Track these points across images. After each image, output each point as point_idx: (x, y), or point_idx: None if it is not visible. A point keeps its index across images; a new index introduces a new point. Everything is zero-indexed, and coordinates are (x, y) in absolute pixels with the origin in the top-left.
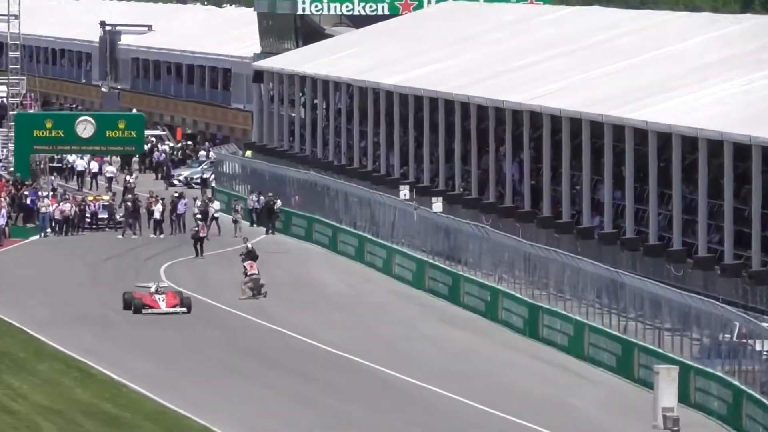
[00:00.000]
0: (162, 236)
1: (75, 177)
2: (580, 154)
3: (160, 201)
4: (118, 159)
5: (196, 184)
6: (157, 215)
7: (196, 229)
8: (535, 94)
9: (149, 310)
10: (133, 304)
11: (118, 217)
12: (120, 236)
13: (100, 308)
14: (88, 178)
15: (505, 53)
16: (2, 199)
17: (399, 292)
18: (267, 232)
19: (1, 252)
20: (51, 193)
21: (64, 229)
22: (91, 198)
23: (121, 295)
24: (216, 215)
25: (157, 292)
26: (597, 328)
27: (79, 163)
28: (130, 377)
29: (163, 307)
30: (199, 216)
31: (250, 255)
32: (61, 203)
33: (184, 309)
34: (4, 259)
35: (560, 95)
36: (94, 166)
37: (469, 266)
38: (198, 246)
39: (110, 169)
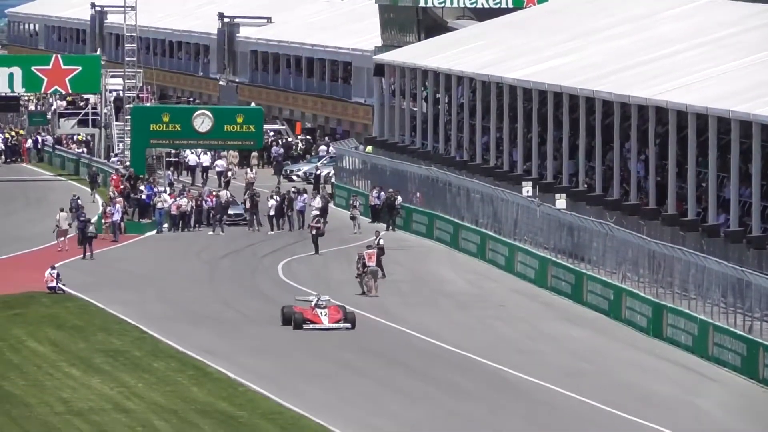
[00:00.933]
0: (276, 232)
1: (187, 172)
2: (706, 150)
3: (274, 197)
4: (236, 153)
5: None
6: (272, 211)
7: (316, 225)
8: (661, 89)
9: (311, 326)
10: (293, 319)
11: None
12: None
13: (217, 306)
14: (198, 172)
15: (630, 47)
16: (117, 194)
17: (521, 290)
18: (387, 229)
19: (116, 248)
20: (168, 189)
21: (180, 225)
22: (214, 193)
23: (244, 288)
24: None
25: (318, 305)
26: (722, 328)
27: (191, 158)
28: (247, 376)
29: (325, 322)
30: (316, 212)
31: (382, 250)
32: (178, 198)
33: (348, 324)
34: (119, 255)
35: (687, 90)
36: (205, 160)
37: (593, 264)
38: (316, 242)
39: (220, 163)
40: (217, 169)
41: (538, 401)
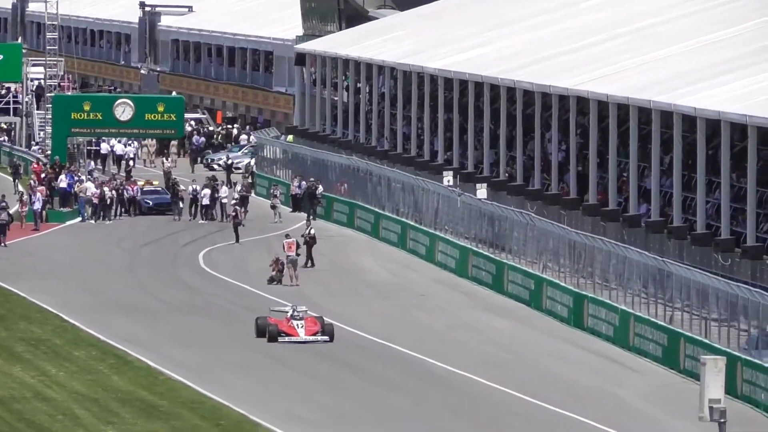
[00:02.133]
0: (206, 221)
1: (103, 161)
2: (627, 140)
3: (209, 187)
4: (154, 142)
5: (237, 169)
6: (205, 200)
7: (233, 214)
8: (582, 80)
9: (286, 338)
10: (267, 332)
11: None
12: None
13: (137, 295)
14: (109, 161)
15: (550, 37)
16: (38, 183)
17: (442, 280)
18: (308, 218)
19: (37, 236)
20: (89, 177)
21: (101, 214)
22: (143, 183)
23: (165, 277)
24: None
25: (294, 317)
26: (643, 318)
27: (103, 146)
28: (168, 365)
29: (302, 334)
30: (235, 201)
31: (313, 239)
32: (101, 186)
33: (326, 337)
34: (40, 244)
35: (608, 81)
36: (119, 149)
37: (514, 254)
38: (236, 231)
39: (127, 149)
40: (124, 155)
41: (461, 391)
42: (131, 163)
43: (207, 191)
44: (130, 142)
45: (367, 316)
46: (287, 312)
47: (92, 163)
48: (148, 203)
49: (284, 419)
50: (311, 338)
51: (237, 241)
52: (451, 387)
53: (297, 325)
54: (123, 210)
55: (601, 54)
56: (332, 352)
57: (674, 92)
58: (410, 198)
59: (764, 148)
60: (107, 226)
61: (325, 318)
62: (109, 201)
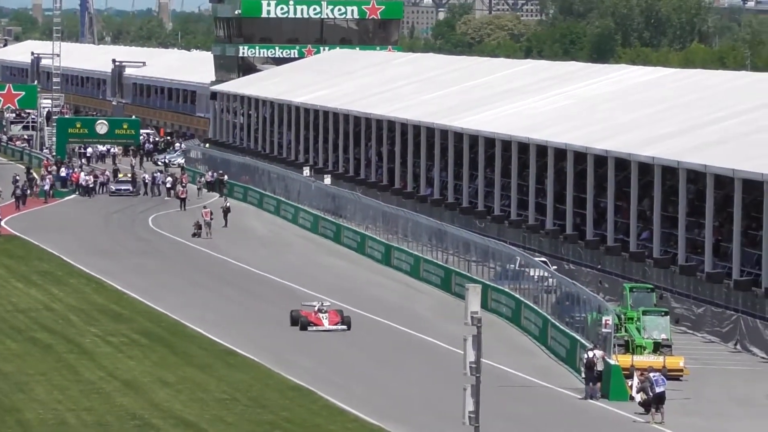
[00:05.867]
0: (168, 198)
1: (87, 159)
2: (419, 150)
3: (168, 177)
4: (121, 148)
5: (173, 164)
6: (168, 185)
7: (176, 192)
8: (392, 109)
9: (314, 328)
10: (300, 322)
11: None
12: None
13: (110, 244)
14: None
15: (372, 82)
16: (47, 172)
17: (302, 235)
18: (219, 196)
19: (46, 207)
20: (79, 169)
21: (88, 193)
22: (122, 175)
23: (128, 233)
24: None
25: (320, 310)
26: (429, 260)
27: (89, 150)
28: (130, 288)
29: (326, 324)
30: (168, 186)
31: (228, 209)
32: (85, 175)
33: (345, 327)
34: (48, 212)
35: (408, 110)
36: (103, 150)
37: (347, 219)
38: (183, 203)
39: (113, 152)
40: (107, 155)
41: None
42: (116, 159)
43: (169, 178)
44: (110, 147)
45: (253, 257)
46: (315, 306)
47: (82, 161)
48: (111, 188)
49: (199, 322)
50: (333, 327)
51: (183, 209)
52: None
53: (322, 317)
54: (102, 191)
55: (404, 93)
56: (231, 280)
57: (449, 118)
58: (282, 184)
59: (490, 150)
60: (90, 200)
61: (343, 312)
62: (91, 185)
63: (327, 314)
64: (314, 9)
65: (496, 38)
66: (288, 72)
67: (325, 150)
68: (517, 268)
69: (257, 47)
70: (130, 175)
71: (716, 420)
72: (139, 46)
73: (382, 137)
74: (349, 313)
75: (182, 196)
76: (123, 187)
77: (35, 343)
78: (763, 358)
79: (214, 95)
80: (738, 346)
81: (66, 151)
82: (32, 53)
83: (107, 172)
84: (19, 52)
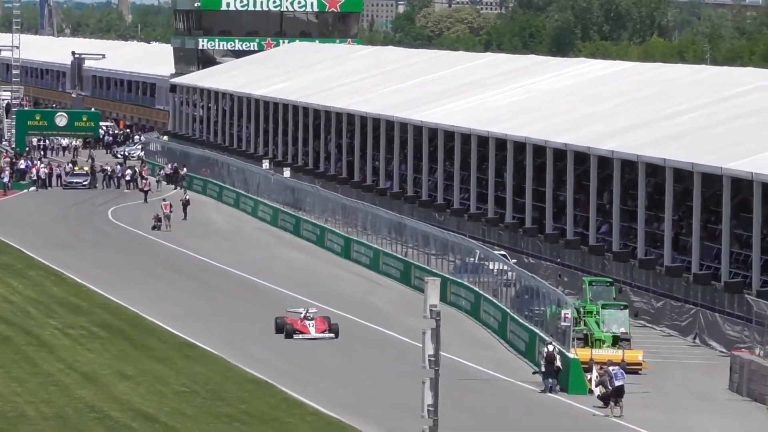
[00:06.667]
0: (128, 191)
1: (44, 151)
2: (379, 143)
3: (128, 169)
4: (81, 140)
5: (131, 156)
6: (127, 177)
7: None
8: (350, 102)
9: (300, 336)
10: (285, 330)
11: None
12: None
13: (69, 236)
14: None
15: (332, 75)
16: (5, 164)
17: (262, 228)
18: (174, 189)
19: (5, 199)
20: (38, 161)
21: (45, 185)
22: (77, 168)
23: (87, 225)
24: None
25: (306, 317)
26: (388, 253)
27: (47, 142)
28: (89, 281)
29: (312, 332)
30: (128, 178)
31: (188, 202)
32: (43, 167)
33: (332, 335)
34: (7, 204)
35: (368, 103)
36: (65, 143)
37: (307, 212)
38: (145, 196)
39: (73, 144)
40: (68, 147)
41: (272, 298)
42: (77, 152)
43: (129, 171)
44: (72, 141)
45: (213, 250)
46: (301, 313)
47: (41, 153)
48: (65, 181)
49: (160, 315)
50: (320, 335)
51: (146, 201)
52: (267, 295)
53: (309, 324)
54: (58, 183)
55: (363, 86)
56: (191, 272)
57: (409, 111)
58: (242, 176)
59: (450, 143)
60: (50, 193)
61: (330, 319)
62: (49, 177)
63: (313, 321)
64: (274, 2)
65: (456, 31)
66: (247, 65)
67: (285, 143)
68: (476, 261)
69: (217, 40)
70: (86, 169)
71: (675, 414)
72: (98, 38)
73: (342, 130)
74: (309, 305)
75: (145, 189)
76: (76, 180)
77: None
78: (721, 352)
79: (173, 88)
80: (697, 340)
81: (25, 144)
82: None
83: (65, 165)
84: None
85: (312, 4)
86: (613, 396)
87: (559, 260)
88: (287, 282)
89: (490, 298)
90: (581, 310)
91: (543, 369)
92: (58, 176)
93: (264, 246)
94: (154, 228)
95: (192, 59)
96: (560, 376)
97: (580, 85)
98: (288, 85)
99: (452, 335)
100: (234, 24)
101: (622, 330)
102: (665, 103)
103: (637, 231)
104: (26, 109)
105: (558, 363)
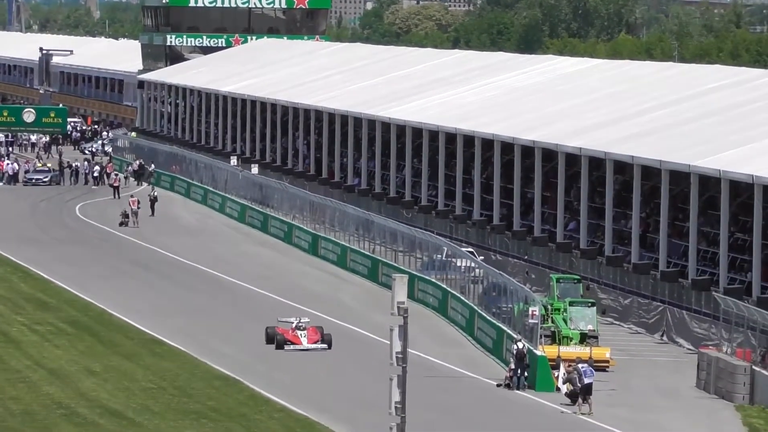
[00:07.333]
0: (96, 187)
1: (10, 146)
2: (347, 140)
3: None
4: (48, 136)
5: (99, 153)
6: (95, 173)
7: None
8: (319, 99)
9: (291, 347)
10: (276, 340)
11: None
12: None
13: (37, 232)
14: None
15: (299, 72)
16: None
17: (229, 225)
18: (138, 185)
19: None
20: (5, 158)
21: (12, 181)
22: (40, 164)
23: (55, 221)
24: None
25: (298, 327)
26: (356, 250)
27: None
28: (56, 277)
29: (304, 343)
30: (96, 174)
31: (155, 198)
32: (12, 163)
33: (325, 345)
34: None
35: (335, 99)
36: (34, 139)
37: (274, 209)
38: (116, 192)
39: (42, 140)
40: (37, 144)
41: (239, 294)
42: (49, 148)
43: (96, 167)
44: (41, 137)
45: (181, 247)
46: (292, 323)
47: (10, 148)
48: (25, 177)
49: (127, 311)
50: (312, 346)
51: (116, 197)
52: (234, 291)
53: (301, 335)
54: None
55: (332, 82)
56: (158, 269)
57: (376, 108)
58: (210, 173)
59: (417, 140)
60: (17, 189)
61: (323, 329)
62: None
63: (306, 332)
64: None
65: (424, 28)
66: (215, 61)
67: (253, 139)
68: (444, 258)
69: (185, 36)
70: (49, 165)
71: (642, 411)
72: (66, 34)
73: (310, 127)
74: (275, 302)
75: (115, 185)
76: (37, 177)
77: None
78: (689, 349)
79: (141, 84)
80: (664, 337)
81: None
82: None
83: (32, 162)
84: None
85: (280, 0)
86: (581, 393)
87: (526, 257)
88: (255, 279)
89: (458, 295)
90: (549, 307)
91: (512, 366)
92: (26, 172)
93: (232, 242)
94: (121, 224)
95: (160, 55)
96: (528, 373)
97: (548, 82)
98: (256, 82)
99: (420, 332)
100: (202, 20)
101: (590, 327)
102: (633, 100)
103: (605, 228)
104: None
105: (527, 360)
